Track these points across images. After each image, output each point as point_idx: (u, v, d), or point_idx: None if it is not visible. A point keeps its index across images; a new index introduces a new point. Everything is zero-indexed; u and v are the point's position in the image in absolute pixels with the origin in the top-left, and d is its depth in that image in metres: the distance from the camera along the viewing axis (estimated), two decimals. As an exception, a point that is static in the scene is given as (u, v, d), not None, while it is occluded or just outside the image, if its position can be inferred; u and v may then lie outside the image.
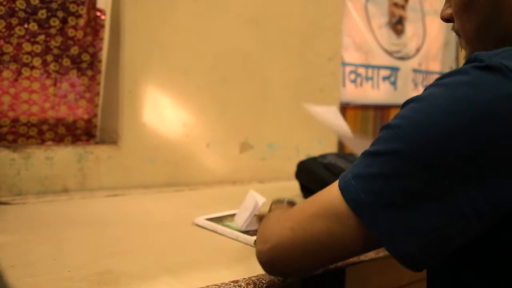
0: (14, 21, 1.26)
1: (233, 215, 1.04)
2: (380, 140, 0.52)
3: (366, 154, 0.53)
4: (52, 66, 1.33)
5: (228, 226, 0.97)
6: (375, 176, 0.50)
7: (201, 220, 1.02)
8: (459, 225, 0.48)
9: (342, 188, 0.54)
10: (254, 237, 0.87)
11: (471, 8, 0.57)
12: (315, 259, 0.58)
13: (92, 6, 1.36)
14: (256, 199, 0.98)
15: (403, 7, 2.17)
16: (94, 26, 1.37)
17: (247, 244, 0.89)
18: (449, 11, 0.61)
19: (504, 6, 0.54)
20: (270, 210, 0.85)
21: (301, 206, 0.60)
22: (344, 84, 1.96)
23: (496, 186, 0.45)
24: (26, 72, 1.30)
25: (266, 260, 0.62)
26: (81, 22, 1.34)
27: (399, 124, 0.50)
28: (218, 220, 1.02)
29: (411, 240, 0.49)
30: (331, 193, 0.55)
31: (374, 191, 0.50)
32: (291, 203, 0.85)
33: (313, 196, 0.59)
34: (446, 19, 0.62)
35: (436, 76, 2.32)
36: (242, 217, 0.97)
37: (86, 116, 1.41)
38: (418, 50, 2.24)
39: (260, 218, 0.94)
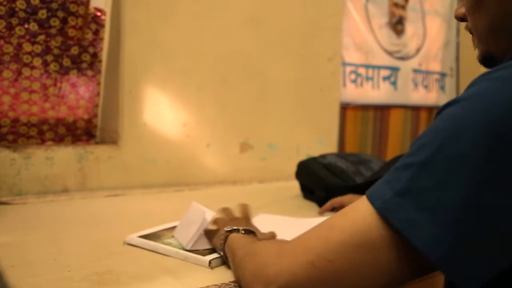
0: (14, 21, 1.26)
1: (170, 229, 0.92)
2: (425, 147, 0.44)
3: (407, 165, 0.45)
4: (52, 66, 1.33)
5: (169, 244, 0.84)
6: (429, 189, 0.42)
7: (134, 238, 0.87)
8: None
9: (383, 209, 0.44)
10: (207, 257, 0.78)
11: (482, 6, 0.55)
12: None
13: (86, 4, 1.36)
14: (203, 213, 0.85)
15: (403, 7, 2.16)
16: (88, 24, 1.37)
17: (199, 265, 0.78)
18: (462, 9, 0.60)
19: None
20: (225, 239, 0.74)
21: (317, 234, 0.49)
22: (344, 84, 1.96)
23: None
24: (26, 72, 1.30)
25: None
26: (80, 21, 1.34)
27: (450, 127, 0.43)
28: (155, 237, 0.88)
29: (481, 261, 0.42)
30: (364, 216, 0.46)
31: (431, 208, 0.42)
32: (248, 232, 0.74)
33: (332, 221, 0.49)
34: (460, 18, 0.61)
35: (436, 77, 2.32)
36: (187, 234, 0.84)
37: (86, 116, 1.41)
38: (418, 50, 2.24)
39: (210, 233, 0.84)
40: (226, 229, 0.75)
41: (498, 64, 0.53)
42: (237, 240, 0.71)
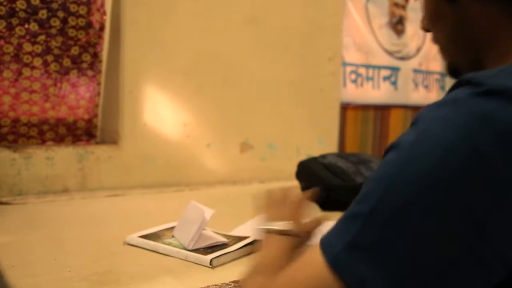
0: (14, 21, 1.26)
1: (170, 229, 0.92)
2: (369, 196, 0.43)
3: (355, 215, 0.43)
4: (52, 66, 1.33)
5: (170, 244, 0.84)
6: (377, 243, 0.41)
7: (134, 238, 0.87)
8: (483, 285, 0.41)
9: (334, 263, 0.43)
10: (208, 256, 0.78)
11: (439, 19, 0.55)
12: None
13: (99, 8, 1.36)
14: (202, 212, 0.84)
15: (403, 7, 2.16)
16: (98, 26, 1.38)
17: (200, 264, 0.79)
18: (426, 21, 0.60)
19: (468, 15, 0.51)
20: (262, 241, 0.68)
21: (284, 279, 0.49)
22: (345, 84, 1.96)
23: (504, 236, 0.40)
24: (26, 72, 1.30)
25: None
26: (82, 22, 1.34)
27: (390, 175, 0.42)
28: (155, 237, 0.88)
29: None
30: (318, 267, 0.44)
31: (380, 262, 0.40)
32: (284, 233, 0.68)
33: (292, 270, 0.49)
34: (426, 29, 0.60)
35: (436, 77, 2.32)
36: (187, 234, 0.83)
37: (86, 116, 1.41)
38: (418, 50, 2.24)
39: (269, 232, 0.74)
40: (261, 226, 0.69)
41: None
42: (262, 250, 0.64)
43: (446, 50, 0.58)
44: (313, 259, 0.46)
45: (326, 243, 0.46)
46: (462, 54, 0.55)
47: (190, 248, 0.82)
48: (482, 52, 0.52)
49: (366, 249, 0.41)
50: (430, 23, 0.58)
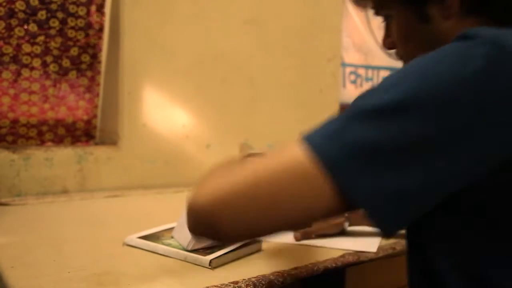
0: (13, 22, 1.26)
1: (169, 230, 0.92)
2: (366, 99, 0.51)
3: (358, 115, 0.51)
4: (51, 67, 1.33)
5: (169, 245, 0.84)
6: (359, 132, 0.48)
7: (134, 239, 0.87)
8: (451, 185, 0.46)
9: (314, 146, 0.48)
10: (208, 257, 0.78)
11: (413, 38, 0.60)
12: (267, 219, 0.48)
13: (99, 8, 1.36)
14: None
15: (402, 7, 2.17)
16: (97, 27, 1.37)
17: (199, 265, 0.78)
18: (390, 40, 0.66)
19: (441, 33, 0.57)
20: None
21: (261, 159, 0.50)
22: (344, 85, 1.96)
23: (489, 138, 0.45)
24: (25, 73, 1.30)
25: (208, 209, 0.48)
26: (81, 23, 1.34)
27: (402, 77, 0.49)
28: (155, 237, 0.88)
29: (397, 206, 0.45)
30: (296, 150, 0.48)
31: (356, 149, 0.45)
32: None
33: (275, 150, 0.51)
34: (390, 48, 0.67)
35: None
36: (186, 234, 0.82)
37: (85, 117, 1.41)
38: (417, 50, 2.24)
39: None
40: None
41: None
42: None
43: None
44: (294, 143, 0.49)
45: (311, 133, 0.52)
46: None
47: (189, 248, 0.82)
48: None
49: (346, 136, 0.50)
50: (402, 41, 0.63)
